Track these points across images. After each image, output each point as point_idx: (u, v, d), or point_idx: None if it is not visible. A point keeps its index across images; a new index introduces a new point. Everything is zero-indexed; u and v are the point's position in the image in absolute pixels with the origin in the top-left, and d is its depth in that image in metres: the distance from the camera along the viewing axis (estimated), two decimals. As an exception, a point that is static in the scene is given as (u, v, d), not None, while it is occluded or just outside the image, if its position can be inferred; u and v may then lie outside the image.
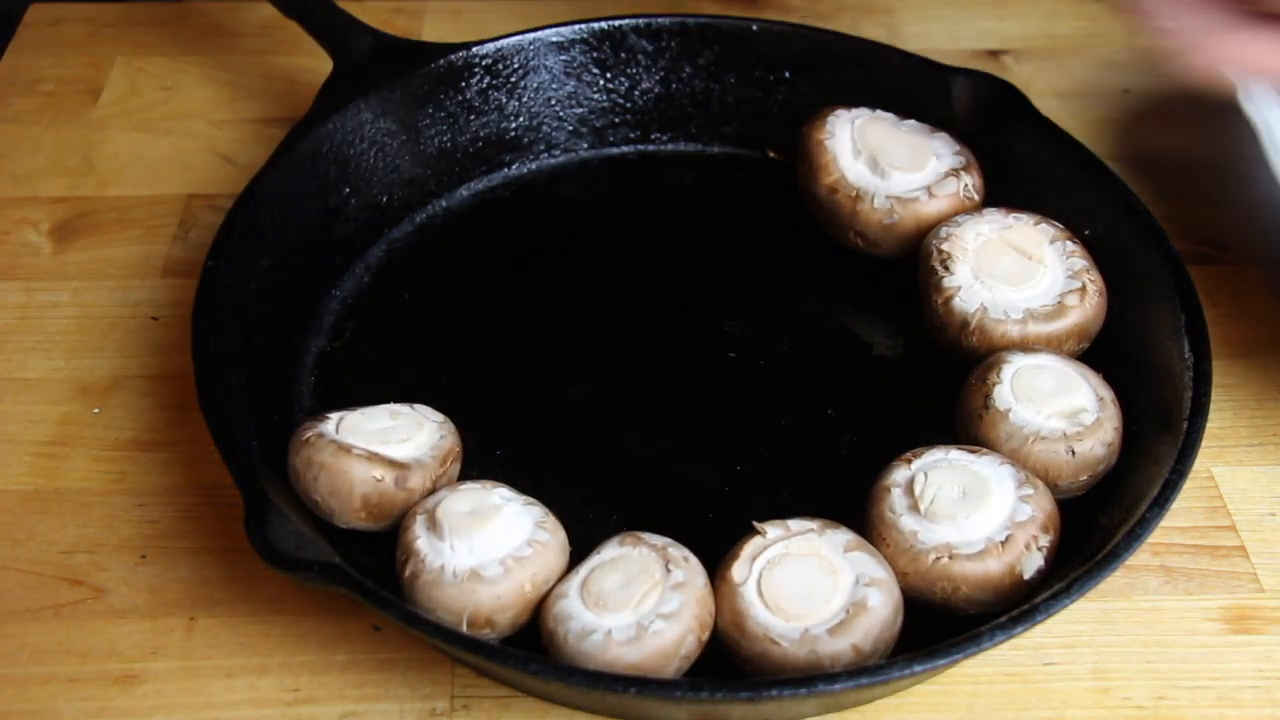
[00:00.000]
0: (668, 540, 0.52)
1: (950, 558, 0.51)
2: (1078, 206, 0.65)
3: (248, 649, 0.54)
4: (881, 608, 0.49)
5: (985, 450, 0.55)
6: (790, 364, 0.60)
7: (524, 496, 0.54)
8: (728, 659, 0.51)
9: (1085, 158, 0.66)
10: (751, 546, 0.52)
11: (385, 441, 0.54)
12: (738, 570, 0.51)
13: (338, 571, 0.48)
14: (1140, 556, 0.56)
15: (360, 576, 0.48)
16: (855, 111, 0.68)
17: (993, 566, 0.51)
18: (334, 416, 0.56)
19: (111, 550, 0.57)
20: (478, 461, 0.58)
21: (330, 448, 0.53)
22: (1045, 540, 0.52)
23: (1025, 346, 0.59)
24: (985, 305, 0.60)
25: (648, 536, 0.52)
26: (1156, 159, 0.76)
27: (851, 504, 0.55)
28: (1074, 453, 0.55)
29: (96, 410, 0.63)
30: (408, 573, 0.51)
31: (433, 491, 0.54)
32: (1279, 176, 0.62)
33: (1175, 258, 0.61)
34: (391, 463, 0.53)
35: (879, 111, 0.68)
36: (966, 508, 0.52)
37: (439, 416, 0.57)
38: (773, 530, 0.52)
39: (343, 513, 0.53)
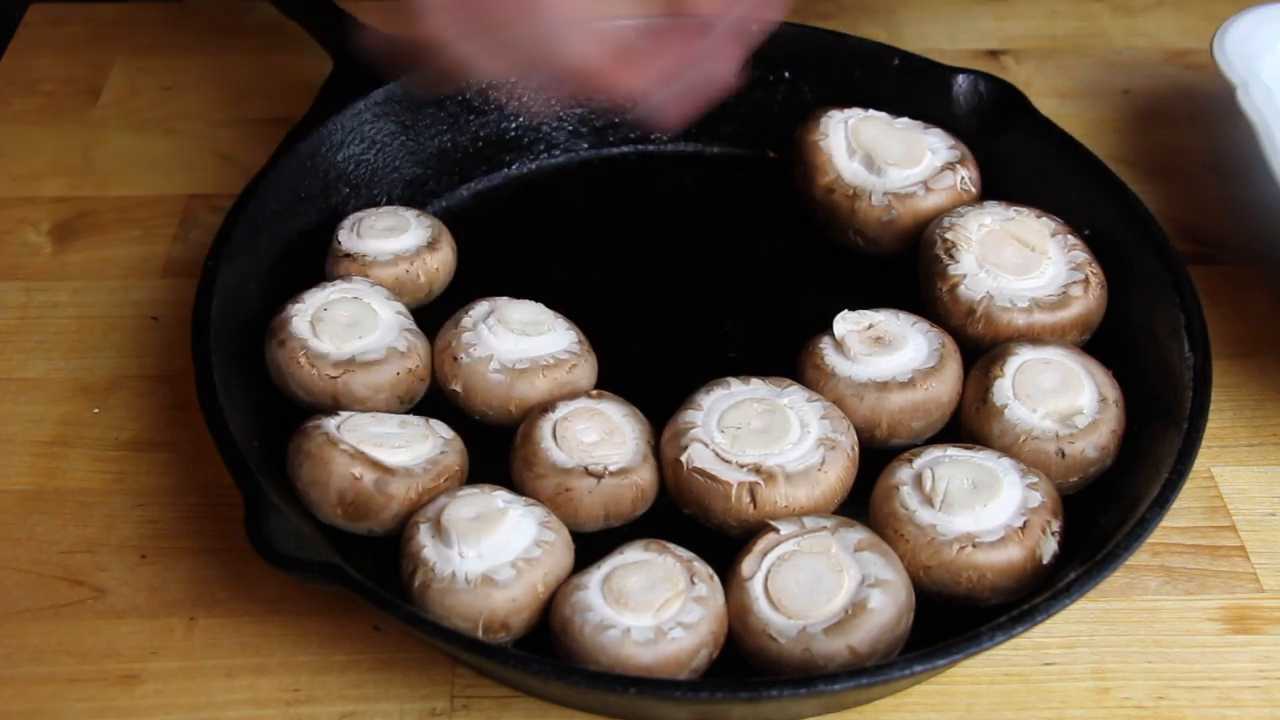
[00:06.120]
0: (693, 554, 0.52)
1: (974, 546, 0.51)
2: (1078, 207, 0.65)
3: (248, 649, 0.54)
4: (883, 610, 0.49)
5: (979, 447, 0.55)
6: (790, 364, 0.60)
7: (524, 497, 0.54)
8: (728, 660, 0.51)
9: (1085, 158, 0.66)
10: (765, 542, 0.51)
11: (379, 445, 0.54)
12: (748, 564, 0.51)
13: (338, 571, 0.48)
14: (1140, 556, 0.56)
15: (360, 576, 0.48)
16: (848, 111, 0.68)
17: (1015, 553, 0.51)
18: (344, 414, 0.56)
19: (111, 550, 0.57)
20: (479, 461, 0.57)
21: (320, 438, 0.53)
22: (1056, 525, 0.52)
23: (1031, 336, 0.59)
24: (991, 293, 0.60)
25: (673, 547, 0.52)
26: (1156, 159, 0.76)
27: (852, 503, 0.55)
28: (1064, 454, 0.55)
29: (96, 410, 0.63)
30: (418, 583, 0.50)
31: (420, 503, 0.53)
32: (1279, 176, 0.62)
33: (1175, 258, 0.61)
34: (375, 464, 0.53)
35: (871, 111, 0.68)
36: (982, 497, 0.52)
37: (449, 434, 0.57)
38: (786, 526, 0.52)
39: (320, 505, 0.53)
